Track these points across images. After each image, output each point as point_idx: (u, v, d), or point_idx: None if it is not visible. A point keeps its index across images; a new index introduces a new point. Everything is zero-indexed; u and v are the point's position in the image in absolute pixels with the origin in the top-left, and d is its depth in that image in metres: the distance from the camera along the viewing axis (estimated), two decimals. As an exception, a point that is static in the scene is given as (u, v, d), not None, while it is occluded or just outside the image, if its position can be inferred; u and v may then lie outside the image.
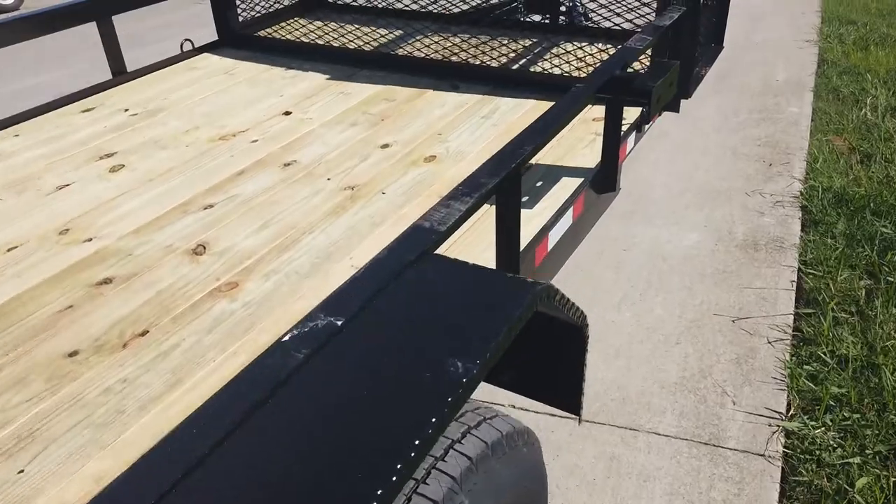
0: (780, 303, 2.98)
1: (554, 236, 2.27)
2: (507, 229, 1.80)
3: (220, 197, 2.55)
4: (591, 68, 3.32)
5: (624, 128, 2.64)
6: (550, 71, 3.37)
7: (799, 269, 3.22)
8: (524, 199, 2.44)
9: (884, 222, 3.44)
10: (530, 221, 2.29)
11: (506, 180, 1.68)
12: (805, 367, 2.58)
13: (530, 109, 3.15)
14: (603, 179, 2.54)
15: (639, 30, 2.76)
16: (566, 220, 2.35)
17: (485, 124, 3.04)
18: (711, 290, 3.06)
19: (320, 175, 2.69)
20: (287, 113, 3.25)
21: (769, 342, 2.74)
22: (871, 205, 3.56)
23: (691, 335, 2.79)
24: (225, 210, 2.46)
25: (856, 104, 4.89)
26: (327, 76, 3.67)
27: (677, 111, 3.16)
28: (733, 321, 2.86)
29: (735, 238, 3.45)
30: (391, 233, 2.31)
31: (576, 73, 3.30)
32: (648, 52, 3.03)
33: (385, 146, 2.90)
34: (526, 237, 2.19)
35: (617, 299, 3.04)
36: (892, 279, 3.02)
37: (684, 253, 3.34)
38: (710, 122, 4.75)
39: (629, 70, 2.38)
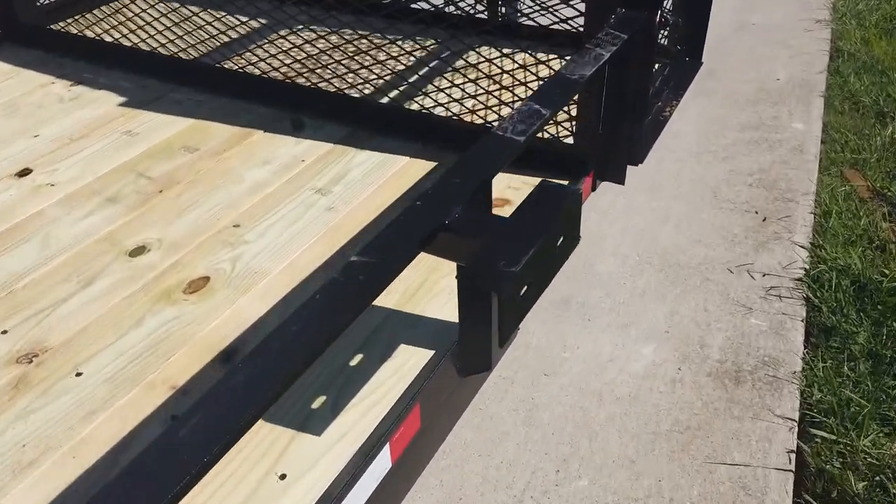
0: (769, 500, 1.92)
1: (336, 523, 1.17)
2: None
3: None
4: (520, 97, 2.17)
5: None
6: (442, 107, 2.21)
7: (801, 423, 2.16)
8: (316, 405, 1.34)
9: (926, 333, 2.36)
10: (287, 491, 1.19)
11: None
12: None
13: (394, 177, 2.01)
14: (469, 356, 1.42)
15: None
16: (377, 470, 1.25)
17: (315, 206, 1.91)
18: (665, 468, 1.99)
19: (-6, 322, 1.57)
20: (24, 172, 2.10)
21: None
22: (908, 302, 2.48)
23: (625, 572, 1.73)
24: None
25: (880, 119, 3.75)
26: (122, 99, 2.50)
27: (622, 182, 2.03)
28: (694, 541, 1.80)
29: (709, 357, 2.37)
30: (30, 496, 1.21)
31: (482, 113, 2.15)
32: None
33: (136, 252, 1.77)
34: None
35: (520, 484, 1.97)
36: (943, 454, 1.96)
37: (632, 386, 2.25)
38: (687, 144, 3.61)
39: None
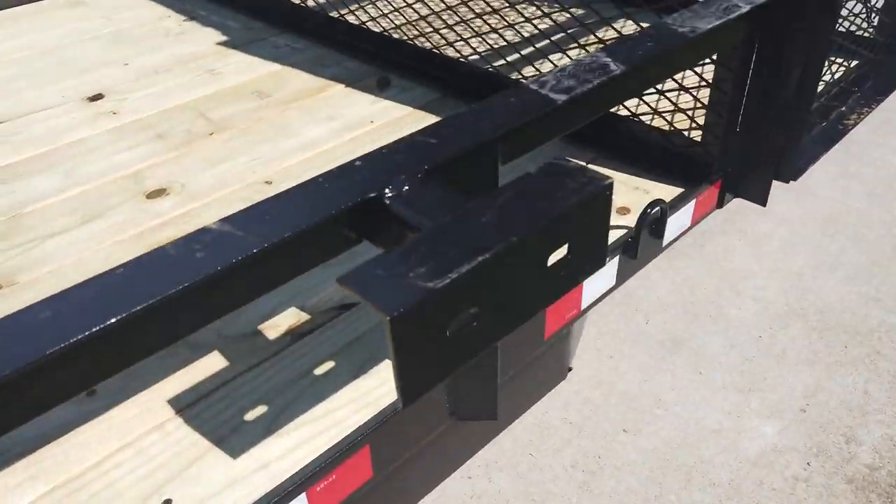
0: None
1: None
2: None
3: None
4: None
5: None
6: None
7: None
8: (251, 416, 1.02)
9: None
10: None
11: None
12: None
13: (464, 155, 1.64)
14: (464, 395, 1.04)
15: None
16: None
17: (362, 174, 1.59)
18: None
19: (-22, 245, 1.42)
20: (96, 98, 2.00)
21: None
22: None
23: None
24: None
25: None
26: (223, 38, 2.34)
27: (762, 203, 1.51)
28: None
29: (855, 457, 1.76)
30: None
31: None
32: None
33: (155, 194, 1.56)
34: None
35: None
36: None
37: (736, 471, 1.73)
38: (888, 175, 2.87)
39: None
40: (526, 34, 1.95)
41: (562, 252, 0.67)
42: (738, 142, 1.41)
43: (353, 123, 1.80)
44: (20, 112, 1.94)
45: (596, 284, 1.24)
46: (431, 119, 1.80)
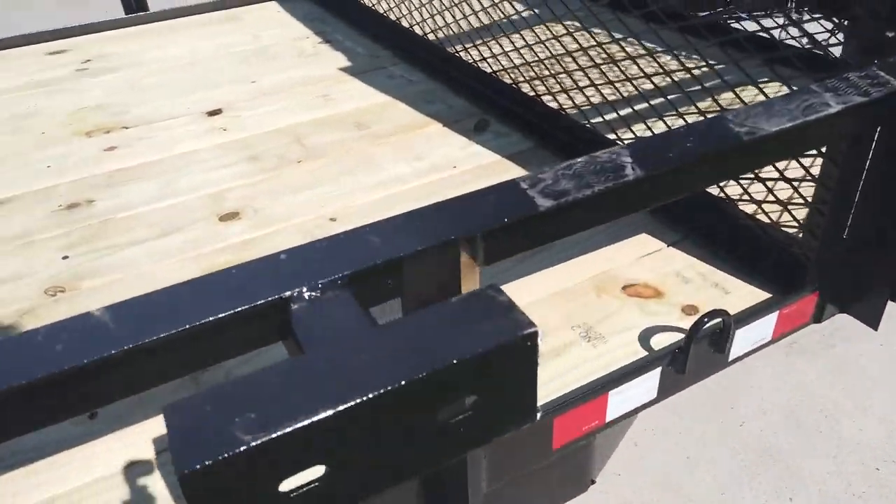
0: None
1: None
2: None
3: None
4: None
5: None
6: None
7: None
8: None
9: None
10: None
11: None
12: None
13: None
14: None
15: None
16: None
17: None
18: None
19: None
20: (215, 112, 2.11)
21: None
22: None
23: None
24: None
25: None
26: (347, 64, 2.39)
27: (874, 326, 1.25)
28: None
29: None
30: None
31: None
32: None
33: (228, 217, 1.61)
34: None
35: None
36: None
37: None
38: None
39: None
40: (636, 92, 1.78)
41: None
42: (846, 249, 1.18)
43: (438, 166, 1.75)
44: (151, 119, 2.10)
45: (629, 394, 1.08)
46: (517, 171, 1.70)
